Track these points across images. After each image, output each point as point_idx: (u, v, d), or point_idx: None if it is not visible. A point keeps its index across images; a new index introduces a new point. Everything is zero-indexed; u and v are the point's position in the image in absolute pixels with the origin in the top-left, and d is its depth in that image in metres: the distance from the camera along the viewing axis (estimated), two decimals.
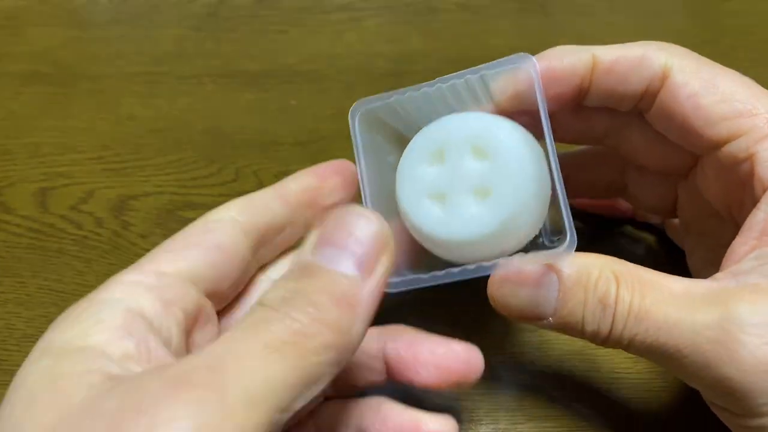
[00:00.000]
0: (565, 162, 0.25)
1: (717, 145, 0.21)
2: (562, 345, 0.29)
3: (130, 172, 0.38)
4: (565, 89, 0.23)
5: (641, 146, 0.25)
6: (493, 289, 0.22)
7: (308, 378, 0.16)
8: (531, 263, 0.21)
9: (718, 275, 0.20)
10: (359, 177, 0.23)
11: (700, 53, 0.22)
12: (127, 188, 0.37)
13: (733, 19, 0.45)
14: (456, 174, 0.21)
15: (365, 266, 0.18)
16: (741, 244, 0.20)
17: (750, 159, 0.20)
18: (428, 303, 0.31)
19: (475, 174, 0.21)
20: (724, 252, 0.21)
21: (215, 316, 0.22)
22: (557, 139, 0.21)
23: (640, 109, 0.23)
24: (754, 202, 0.20)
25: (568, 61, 0.22)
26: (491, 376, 0.28)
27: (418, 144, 0.23)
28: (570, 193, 0.25)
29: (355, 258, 0.18)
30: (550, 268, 0.21)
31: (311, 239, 0.18)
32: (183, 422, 0.14)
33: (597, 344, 0.21)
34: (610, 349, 0.29)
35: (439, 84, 0.23)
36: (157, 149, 0.39)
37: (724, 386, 0.19)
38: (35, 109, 0.41)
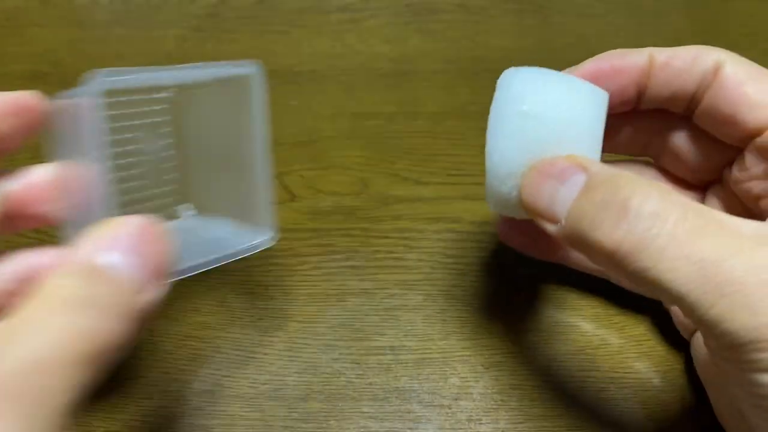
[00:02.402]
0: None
1: (759, 131, 0.22)
2: (562, 345, 0.29)
3: None
4: (626, 83, 0.24)
5: (682, 150, 0.26)
6: (524, 179, 0.22)
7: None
8: (564, 160, 0.21)
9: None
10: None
11: None
12: None
13: (733, 19, 0.45)
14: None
15: (148, 271, 0.18)
16: None
17: None
18: (425, 306, 0.31)
19: None
20: None
21: None
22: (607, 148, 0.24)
23: (691, 109, 0.25)
24: None
25: (629, 58, 0.24)
26: (491, 375, 0.29)
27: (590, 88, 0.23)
28: (607, 148, 0.26)
29: (139, 264, 0.18)
30: (580, 166, 0.20)
31: (87, 240, 0.18)
32: None
33: (600, 267, 0.20)
34: (610, 349, 0.29)
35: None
36: None
37: (760, 333, 0.17)
38: None
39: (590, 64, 0.25)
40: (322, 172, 0.37)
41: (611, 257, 0.18)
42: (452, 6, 0.48)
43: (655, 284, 0.18)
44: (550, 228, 0.21)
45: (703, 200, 0.27)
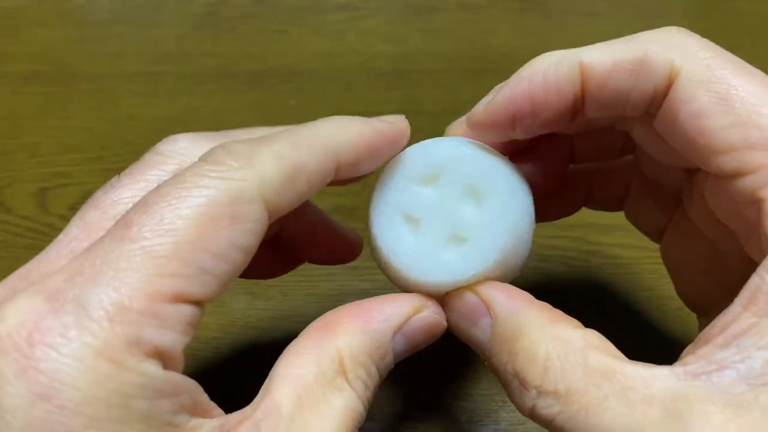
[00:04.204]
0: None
1: (722, 176, 0.17)
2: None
3: None
4: (553, 115, 0.19)
5: (653, 144, 0.21)
6: (447, 313, 0.20)
7: None
8: (472, 295, 0.19)
9: (689, 360, 0.16)
10: None
11: None
12: None
13: (735, 19, 0.45)
14: (443, 208, 0.20)
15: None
16: (730, 312, 0.16)
17: (757, 204, 0.16)
18: None
19: (461, 217, 0.20)
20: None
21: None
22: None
23: (649, 114, 0.19)
24: (761, 253, 0.16)
25: (552, 83, 0.18)
26: (492, 376, 0.28)
27: (412, 157, 0.20)
28: (581, 159, 0.24)
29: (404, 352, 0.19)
30: (489, 308, 0.18)
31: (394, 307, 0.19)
32: None
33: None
34: None
35: None
36: None
37: None
38: (34, 109, 0.41)
39: (502, 102, 0.19)
40: None
41: (531, 417, 0.17)
42: (452, 5, 0.48)
43: None
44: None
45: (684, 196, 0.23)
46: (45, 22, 0.48)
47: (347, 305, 0.19)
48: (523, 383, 0.16)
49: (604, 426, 0.15)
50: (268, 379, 0.17)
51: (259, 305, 0.31)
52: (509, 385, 0.17)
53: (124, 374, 0.14)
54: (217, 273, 0.15)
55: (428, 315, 0.19)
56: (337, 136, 0.18)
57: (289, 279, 0.32)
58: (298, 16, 0.47)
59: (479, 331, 0.18)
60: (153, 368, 0.14)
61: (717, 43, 0.19)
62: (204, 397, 0.16)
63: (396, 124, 0.20)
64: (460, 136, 0.21)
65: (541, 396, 0.16)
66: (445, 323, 0.20)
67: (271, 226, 0.23)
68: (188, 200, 0.15)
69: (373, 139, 0.19)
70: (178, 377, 0.15)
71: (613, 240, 0.32)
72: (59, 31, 0.47)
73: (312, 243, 0.25)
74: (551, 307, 0.18)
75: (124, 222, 0.15)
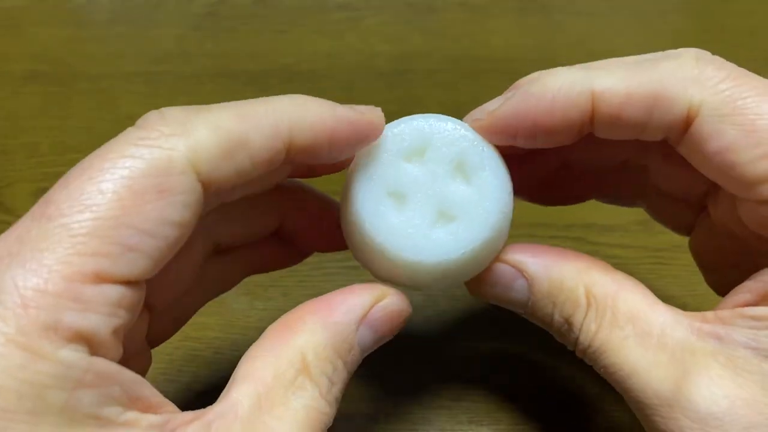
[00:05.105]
0: None
1: (760, 203, 0.17)
2: (563, 345, 0.29)
3: None
4: (556, 136, 0.19)
5: (665, 173, 0.22)
6: (469, 282, 0.21)
7: None
8: (501, 264, 0.20)
9: (708, 315, 0.18)
10: None
11: None
12: None
13: (735, 19, 0.45)
14: (430, 184, 0.19)
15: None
16: (747, 290, 0.18)
17: None
18: (425, 307, 0.31)
19: (448, 194, 0.19)
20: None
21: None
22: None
23: (668, 141, 0.19)
24: None
25: (561, 104, 0.18)
26: (492, 375, 0.28)
27: (396, 132, 0.20)
28: (576, 171, 0.23)
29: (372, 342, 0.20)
30: (521, 271, 0.20)
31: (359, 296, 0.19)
32: None
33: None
34: None
35: None
36: None
37: None
38: (34, 108, 0.41)
39: (506, 115, 0.19)
40: None
41: (575, 351, 0.20)
42: (453, 5, 0.48)
43: (611, 381, 0.19)
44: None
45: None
46: (45, 22, 0.48)
47: (306, 302, 0.19)
48: (571, 326, 0.19)
49: (620, 360, 0.18)
50: (228, 383, 0.17)
51: (259, 305, 0.31)
52: (559, 329, 0.20)
53: (39, 363, 0.13)
54: (147, 249, 0.14)
55: (390, 302, 0.19)
56: (291, 113, 0.17)
57: (289, 279, 0.32)
58: (298, 16, 0.47)
59: (515, 293, 0.20)
60: (73, 355, 0.13)
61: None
62: (149, 391, 0.15)
63: (366, 114, 0.19)
64: (441, 114, 0.21)
65: (581, 333, 0.19)
66: (410, 310, 0.20)
67: (267, 221, 0.23)
68: (111, 172, 0.14)
69: (336, 126, 0.18)
70: (107, 366, 0.14)
71: (613, 240, 0.32)
72: (59, 31, 0.47)
73: (318, 233, 0.25)
74: (578, 253, 0.20)
75: (44, 200, 0.15)
